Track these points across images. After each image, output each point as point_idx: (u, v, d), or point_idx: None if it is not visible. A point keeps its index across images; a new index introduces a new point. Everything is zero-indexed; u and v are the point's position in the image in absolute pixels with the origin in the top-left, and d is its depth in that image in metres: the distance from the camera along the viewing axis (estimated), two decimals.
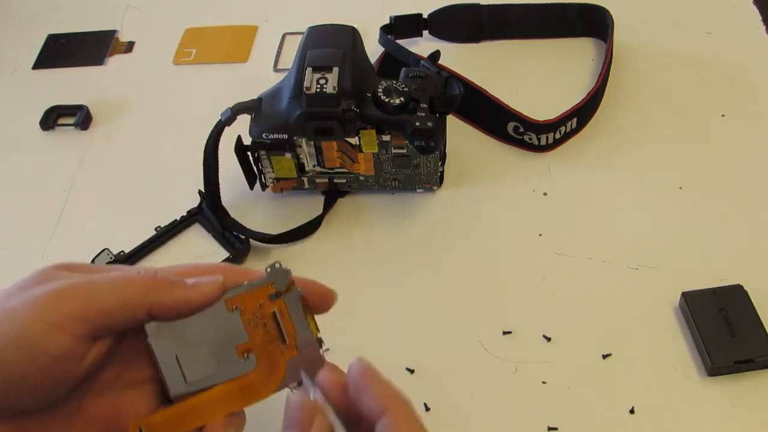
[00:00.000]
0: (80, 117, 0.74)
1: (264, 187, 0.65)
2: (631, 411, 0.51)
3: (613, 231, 0.61)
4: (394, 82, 0.58)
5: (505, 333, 0.56)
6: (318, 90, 0.57)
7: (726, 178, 0.64)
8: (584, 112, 0.68)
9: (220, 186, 0.63)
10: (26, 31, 0.86)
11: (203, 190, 0.63)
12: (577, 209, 0.63)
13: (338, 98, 0.57)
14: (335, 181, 0.64)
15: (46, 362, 0.35)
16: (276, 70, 0.78)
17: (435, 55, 0.65)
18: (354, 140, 0.60)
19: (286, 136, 0.59)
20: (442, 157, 0.63)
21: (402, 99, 0.57)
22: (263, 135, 0.59)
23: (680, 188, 0.63)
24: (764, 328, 0.52)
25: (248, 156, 0.62)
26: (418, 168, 0.63)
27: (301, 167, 0.63)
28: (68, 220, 0.67)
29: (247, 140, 0.61)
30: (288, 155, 0.61)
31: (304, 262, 0.62)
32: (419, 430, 0.35)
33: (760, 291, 0.54)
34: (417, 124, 0.57)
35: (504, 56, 0.76)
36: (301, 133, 0.59)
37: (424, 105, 0.58)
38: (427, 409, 0.52)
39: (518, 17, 0.76)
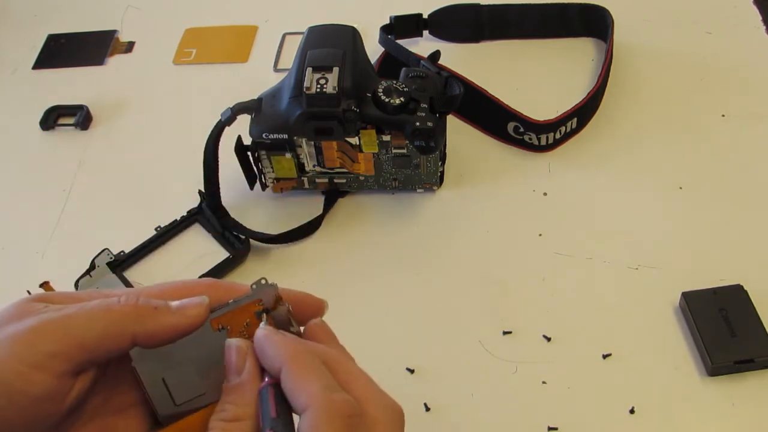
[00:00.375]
0: (80, 117, 0.74)
1: (264, 187, 0.65)
2: (631, 411, 0.51)
3: (613, 231, 0.61)
4: (394, 82, 0.58)
5: (505, 333, 0.56)
6: (318, 90, 0.57)
7: (726, 178, 0.64)
8: (584, 112, 0.68)
9: (220, 186, 0.63)
10: (26, 31, 0.86)
11: (203, 190, 0.63)
12: (577, 209, 0.63)
13: (338, 98, 0.57)
14: (335, 181, 0.64)
15: (27, 404, 0.33)
16: (276, 70, 0.78)
17: (435, 55, 0.65)
18: (354, 140, 0.60)
19: (286, 136, 0.59)
20: (442, 157, 0.63)
21: (402, 99, 0.57)
22: (263, 135, 0.59)
23: (680, 188, 0.63)
24: (764, 328, 0.52)
25: (248, 156, 0.62)
26: (418, 168, 0.63)
27: (301, 167, 0.63)
28: (68, 220, 0.67)
29: (247, 140, 0.61)
30: (288, 155, 0.61)
31: (304, 262, 0.62)
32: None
33: (760, 291, 0.54)
34: (417, 124, 0.57)
35: (504, 56, 0.76)
36: (301, 133, 0.59)
37: (424, 105, 0.58)
38: (427, 409, 0.52)
39: (518, 17, 0.76)
